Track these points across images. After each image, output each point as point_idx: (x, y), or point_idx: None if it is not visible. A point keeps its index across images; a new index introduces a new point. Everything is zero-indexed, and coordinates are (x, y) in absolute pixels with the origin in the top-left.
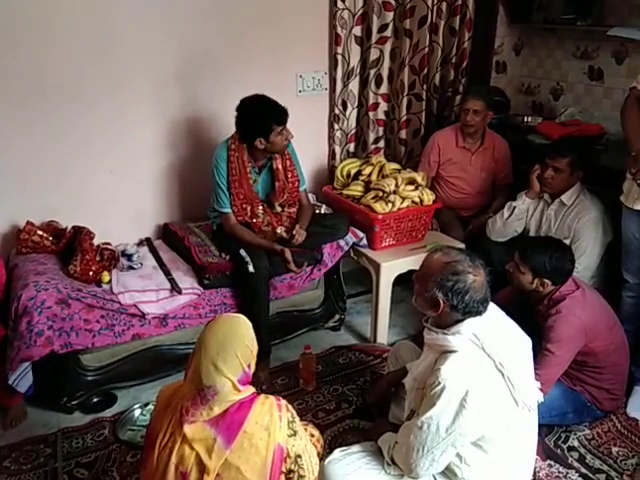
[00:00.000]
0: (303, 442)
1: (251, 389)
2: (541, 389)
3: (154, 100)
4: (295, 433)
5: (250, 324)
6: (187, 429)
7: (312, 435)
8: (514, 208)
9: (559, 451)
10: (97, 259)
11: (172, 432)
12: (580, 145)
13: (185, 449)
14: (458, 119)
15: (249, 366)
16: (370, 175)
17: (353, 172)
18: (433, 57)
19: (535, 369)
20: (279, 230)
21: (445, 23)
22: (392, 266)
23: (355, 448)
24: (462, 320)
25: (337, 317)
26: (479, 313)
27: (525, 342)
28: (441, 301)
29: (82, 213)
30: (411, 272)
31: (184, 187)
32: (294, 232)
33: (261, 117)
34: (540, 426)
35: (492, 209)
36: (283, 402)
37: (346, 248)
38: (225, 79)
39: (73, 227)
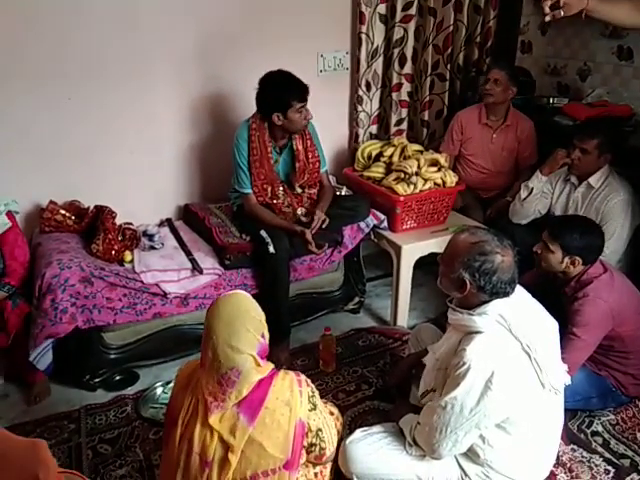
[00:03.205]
0: (323, 415)
1: (270, 365)
2: (567, 372)
3: (175, 80)
4: (315, 407)
5: (249, 296)
6: (213, 418)
7: (331, 413)
8: (531, 188)
9: (582, 436)
10: (119, 238)
11: (193, 413)
12: (609, 126)
13: (207, 435)
14: (482, 99)
15: (263, 335)
16: (392, 157)
17: (374, 154)
18: (457, 36)
19: (560, 353)
20: (299, 211)
21: (470, 1)
22: (413, 249)
23: (376, 428)
24: (489, 301)
25: (357, 300)
26: (506, 294)
27: (552, 324)
28: (467, 282)
29: (104, 193)
30: (432, 255)
31: (205, 168)
32: (314, 217)
33: (280, 91)
34: (564, 410)
35: (511, 192)
36: (303, 377)
37: (367, 230)
38: (245, 59)
39: (95, 206)
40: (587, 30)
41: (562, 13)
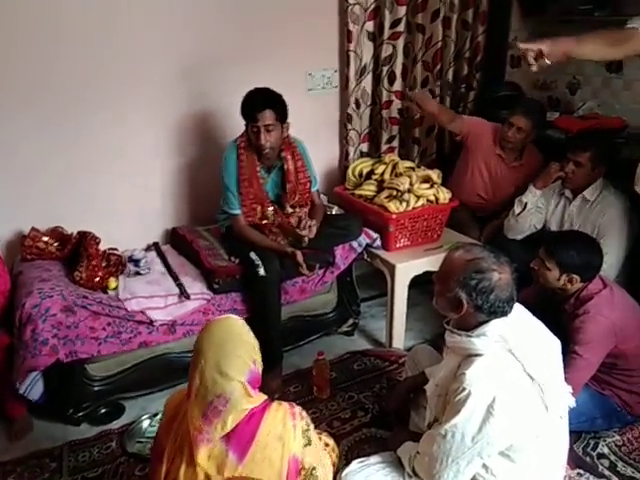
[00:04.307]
0: (317, 451)
1: (263, 396)
2: (571, 394)
3: (160, 102)
4: (310, 442)
5: (242, 320)
6: (201, 456)
7: (327, 444)
8: (525, 203)
9: (588, 459)
10: (103, 265)
11: (179, 449)
12: (601, 138)
13: (193, 474)
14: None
15: (255, 362)
16: (383, 174)
17: (365, 171)
18: (446, 52)
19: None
20: (292, 221)
21: (458, 17)
22: (407, 267)
23: (373, 459)
24: (487, 321)
25: (351, 321)
26: (505, 313)
27: (554, 344)
28: (464, 301)
29: (88, 218)
30: (427, 274)
31: (192, 190)
32: (303, 224)
33: (242, 105)
34: (569, 433)
35: (504, 214)
36: (297, 409)
37: (359, 250)
38: (233, 78)
39: (78, 232)
40: None
41: (547, 62)
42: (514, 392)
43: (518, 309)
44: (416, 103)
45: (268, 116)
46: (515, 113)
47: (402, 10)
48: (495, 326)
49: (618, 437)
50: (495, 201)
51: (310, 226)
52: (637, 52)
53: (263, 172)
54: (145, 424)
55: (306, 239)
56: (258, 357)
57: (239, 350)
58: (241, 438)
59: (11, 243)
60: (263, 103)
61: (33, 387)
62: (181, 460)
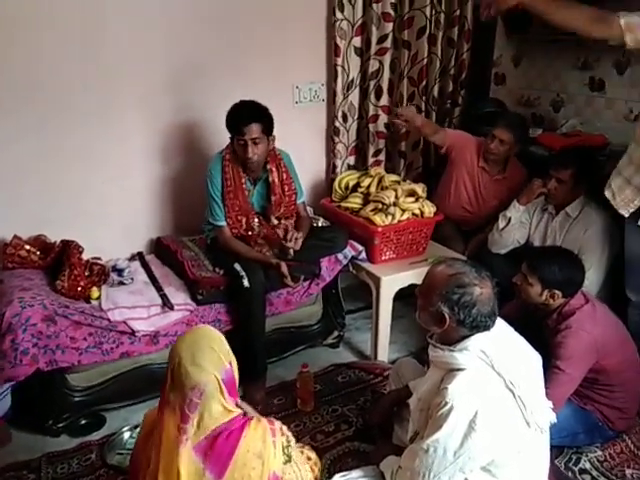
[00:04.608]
0: (297, 467)
1: (238, 410)
2: (552, 409)
3: (146, 111)
4: (290, 458)
5: (215, 330)
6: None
7: (309, 458)
8: (509, 218)
9: (570, 474)
10: (86, 274)
11: (153, 468)
12: (583, 156)
13: None
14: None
15: (230, 364)
16: (369, 187)
17: (351, 184)
18: (432, 68)
19: (544, 388)
20: (279, 232)
21: (443, 34)
22: (393, 280)
23: (356, 473)
24: (469, 336)
25: (336, 334)
26: (487, 328)
27: (535, 359)
28: (447, 316)
29: (72, 227)
30: (412, 287)
31: (177, 200)
32: (289, 236)
33: (227, 118)
34: (550, 448)
35: (488, 228)
36: (277, 425)
37: (345, 262)
38: (219, 89)
39: (62, 241)
40: (559, 62)
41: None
42: (496, 407)
43: (500, 324)
44: (404, 120)
45: (255, 129)
46: (498, 126)
47: (389, 26)
48: (477, 340)
49: (600, 452)
50: (480, 214)
51: (296, 238)
52: (609, 37)
53: (248, 184)
54: (126, 435)
55: (291, 251)
56: (233, 360)
57: (213, 344)
58: (219, 456)
59: None
60: (249, 117)
61: (1, 401)
62: (158, 465)
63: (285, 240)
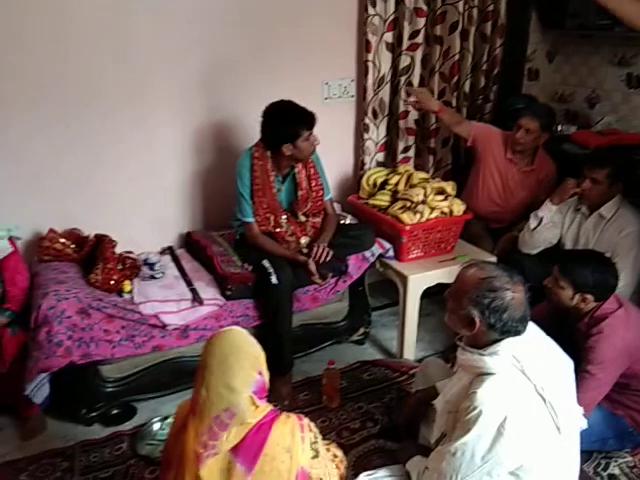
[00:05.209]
0: (325, 463)
1: (268, 406)
2: (582, 414)
3: (177, 106)
4: (317, 454)
5: (245, 331)
6: (206, 470)
7: (335, 456)
8: (541, 218)
9: (599, 479)
10: (119, 268)
11: (182, 459)
12: (619, 155)
13: None
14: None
15: (260, 373)
16: (397, 184)
17: (379, 181)
18: (463, 64)
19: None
20: (303, 241)
21: (476, 29)
22: (420, 279)
23: (382, 472)
24: (499, 340)
25: (362, 330)
26: (518, 333)
27: (567, 365)
28: (477, 320)
29: (104, 221)
30: (439, 284)
31: (207, 195)
32: (315, 248)
33: (288, 122)
34: (579, 452)
35: (518, 227)
36: (305, 421)
37: (372, 260)
38: (250, 86)
39: (95, 235)
40: (595, 58)
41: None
42: (525, 412)
43: (532, 328)
44: (416, 101)
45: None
46: (523, 115)
47: (421, 22)
48: (508, 345)
49: (630, 458)
50: (509, 207)
51: (319, 252)
52: None
53: (277, 181)
54: (156, 427)
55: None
56: (263, 367)
57: (243, 362)
58: (249, 449)
59: (29, 244)
60: (307, 112)
61: (39, 390)
62: (184, 472)
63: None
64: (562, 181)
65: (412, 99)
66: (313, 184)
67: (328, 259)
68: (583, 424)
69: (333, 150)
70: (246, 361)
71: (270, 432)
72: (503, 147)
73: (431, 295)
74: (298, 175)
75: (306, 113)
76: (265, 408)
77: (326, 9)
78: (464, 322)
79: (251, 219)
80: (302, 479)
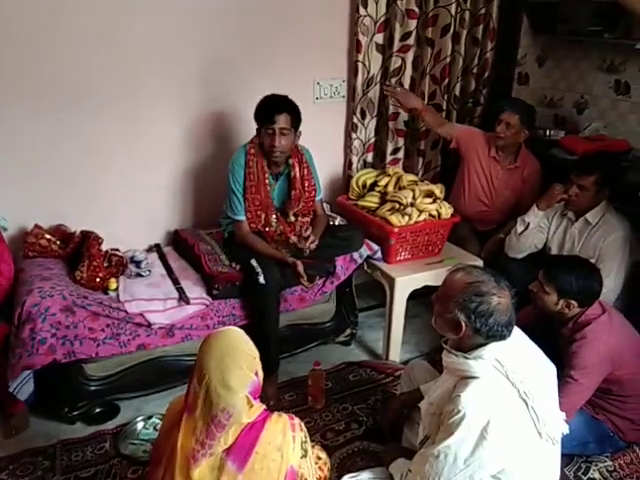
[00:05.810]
0: (311, 463)
1: (262, 406)
2: (564, 419)
3: (169, 104)
4: (306, 454)
5: (242, 332)
6: (197, 471)
7: (319, 458)
8: (528, 223)
9: None
10: (105, 265)
11: (172, 456)
12: (606, 162)
13: None
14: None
15: (256, 373)
16: (386, 186)
17: (369, 183)
18: (454, 67)
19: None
20: (293, 239)
21: (468, 32)
22: (407, 281)
23: (365, 475)
24: (484, 344)
25: (348, 331)
26: (503, 337)
27: (550, 370)
28: (463, 323)
29: (91, 217)
30: (426, 287)
31: (197, 193)
32: (305, 235)
33: (257, 110)
34: (560, 456)
35: (505, 229)
36: (296, 421)
37: (360, 261)
38: (241, 85)
39: (81, 232)
40: (584, 63)
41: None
42: (508, 416)
43: (516, 333)
44: (396, 98)
45: (284, 120)
46: (503, 110)
47: (412, 24)
48: (492, 349)
49: (610, 462)
50: (496, 207)
51: (312, 242)
52: None
53: (271, 179)
54: (139, 426)
55: (307, 251)
56: (259, 367)
57: (240, 362)
58: (241, 448)
59: (14, 239)
60: (281, 106)
61: (23, 386)
62: (174, 469)
63: (300, 238)
64: (548, 184)
65: (391, 93)
66: (306, 184)
67: (313, 246)
68: (565, 429)
69: (323, 151)
70: (243, 361)
71: (262, 431)
72: (487, 146)
73: (418, 297)
74: (293, 174)
75: (272, 107)
76: (259, 408)
77: (320, 9)
78: (450, 325)
79: (242, 217)
80: (291, 478)
